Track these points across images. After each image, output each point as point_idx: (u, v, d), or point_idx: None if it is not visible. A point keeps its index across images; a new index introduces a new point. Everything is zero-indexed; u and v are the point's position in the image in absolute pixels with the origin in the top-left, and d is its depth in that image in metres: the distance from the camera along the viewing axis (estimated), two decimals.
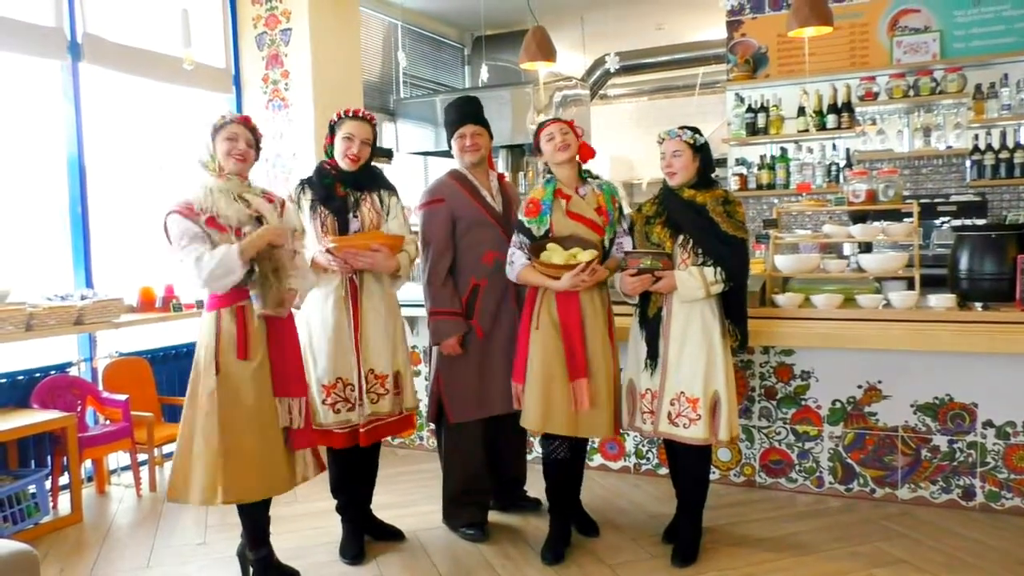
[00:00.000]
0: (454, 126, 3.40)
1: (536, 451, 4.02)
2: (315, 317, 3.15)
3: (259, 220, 2.84)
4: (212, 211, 2.77)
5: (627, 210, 3.32)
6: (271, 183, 4.87)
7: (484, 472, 3.48)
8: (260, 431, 2.80)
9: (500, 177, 3.51)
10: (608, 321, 3.18)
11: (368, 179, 3.24)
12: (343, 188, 3.16)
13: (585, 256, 3.01)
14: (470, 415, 3.36)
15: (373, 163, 3.28)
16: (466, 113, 3.40)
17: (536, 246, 3.09)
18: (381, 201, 3.23)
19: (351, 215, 3.15)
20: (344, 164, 3.17)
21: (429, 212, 3.36)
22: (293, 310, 2.97)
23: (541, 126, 3.19)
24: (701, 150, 3.07)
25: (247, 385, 2.78)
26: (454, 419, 3.38)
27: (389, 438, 3.44)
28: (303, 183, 3.21)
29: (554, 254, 3.04)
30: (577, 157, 3.17)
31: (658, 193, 3.19)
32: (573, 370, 3.05)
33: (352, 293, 3.14)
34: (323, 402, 3.12)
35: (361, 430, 3.14)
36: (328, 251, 3.07)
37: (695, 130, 3.09)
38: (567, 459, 3.20)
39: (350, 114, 3.18)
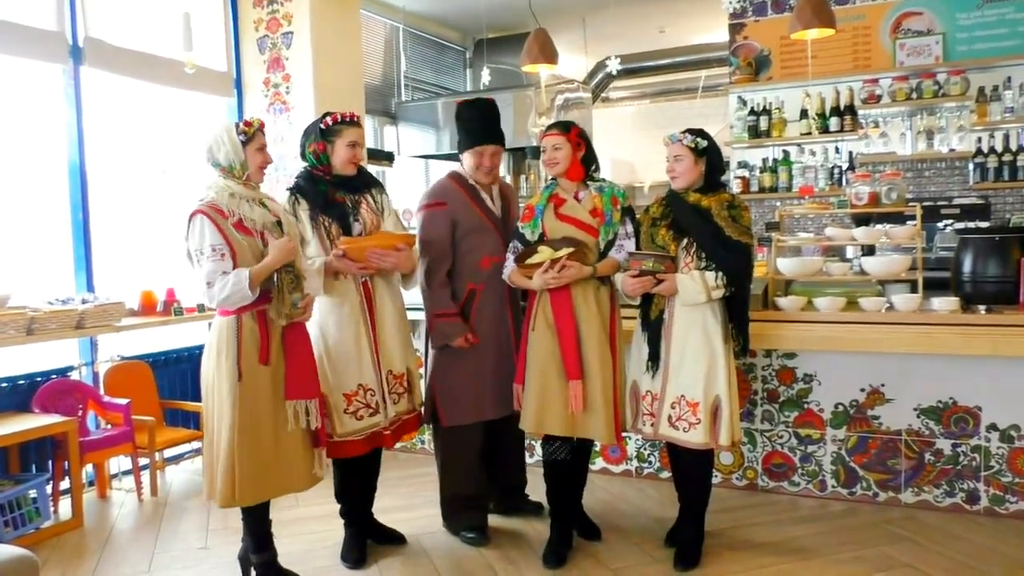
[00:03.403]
0: (475, 140, 3.30)
1: (538, 455, 4.00)
2: (331, 326, 3.11)
3: (279, 224, 2.87)
4: (239, 215, 2.80)
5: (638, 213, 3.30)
6: (274, 186, 4.86)
7: (479, 477, 3.47)
8: (276, 433, 2.82)
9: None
10: (611, 324, 3.15)
11: (361, 181, 3.22)
12: (339, 193, 3.13)
13: (559, 255, 3.00)
14: (461, 419, 3.34)
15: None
16: (491, 131, 3.31)
17: (528, 249, 3.10)
18: (374, 200, 3.22)
19: (352, 219, 3.12)
20: (347, 170, 3.14)
21: (430, 215, 3.32)
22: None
23: (544, 133, 3.19)
24: (705, 153, 3.05)
25: (268, 390, 2.80)
26: (446, 423, 3.37)
27: None
28: (294, 193, 3.13)
29: (540, 255, 3.04)
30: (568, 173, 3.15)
31: (665, 196, 3.17)
32: (567, 372, 3.05)
33: (367, 297, 3.13)
34: (345, 411, 3.08)
35: (386, 432, 3.15)
36: (345, 255, 3.02)
37: (701, 133, 3.06)
38: (567, 460, 3.19)
39: (347, 119, 3.13)
